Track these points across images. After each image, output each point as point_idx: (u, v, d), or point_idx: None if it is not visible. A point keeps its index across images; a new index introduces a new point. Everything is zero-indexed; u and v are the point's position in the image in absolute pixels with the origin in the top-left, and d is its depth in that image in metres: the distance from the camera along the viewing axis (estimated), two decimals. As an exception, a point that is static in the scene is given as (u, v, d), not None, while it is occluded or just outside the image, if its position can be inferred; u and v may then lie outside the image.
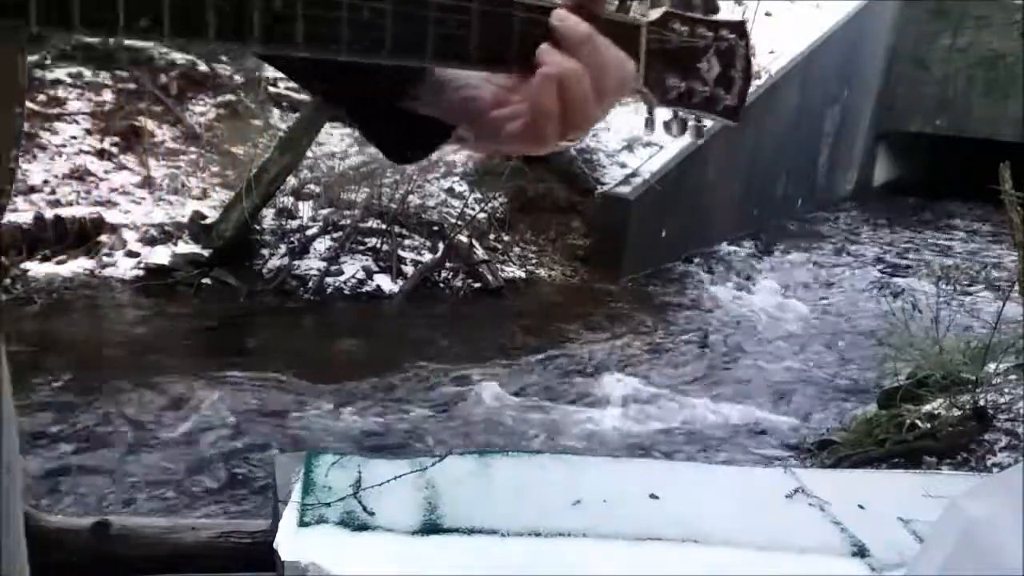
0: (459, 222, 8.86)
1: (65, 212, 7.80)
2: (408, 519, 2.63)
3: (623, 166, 10.22)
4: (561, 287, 9.16)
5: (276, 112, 9.84)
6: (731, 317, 8.80)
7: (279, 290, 7.81)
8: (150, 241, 7.89)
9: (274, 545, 2.53)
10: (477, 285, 8.58)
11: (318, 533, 2.54)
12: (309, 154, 8.47)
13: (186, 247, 7.87)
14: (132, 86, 9.34)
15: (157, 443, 5.07)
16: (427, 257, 8.58)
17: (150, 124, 9.21)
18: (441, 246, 8.63)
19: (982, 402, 4.73)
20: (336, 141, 9.71)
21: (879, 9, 15.10)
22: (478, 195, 9.43)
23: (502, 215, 9.45)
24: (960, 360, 4.93)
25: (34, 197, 7.90)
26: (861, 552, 2.69)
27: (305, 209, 8.66)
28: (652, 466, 3.62)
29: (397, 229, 8.63)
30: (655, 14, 0.79)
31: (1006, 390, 4.89)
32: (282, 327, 7.43)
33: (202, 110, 9.72)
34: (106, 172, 8.54)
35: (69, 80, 9.18)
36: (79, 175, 8.33)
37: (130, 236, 7.90)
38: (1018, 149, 8.27)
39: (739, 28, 0.84)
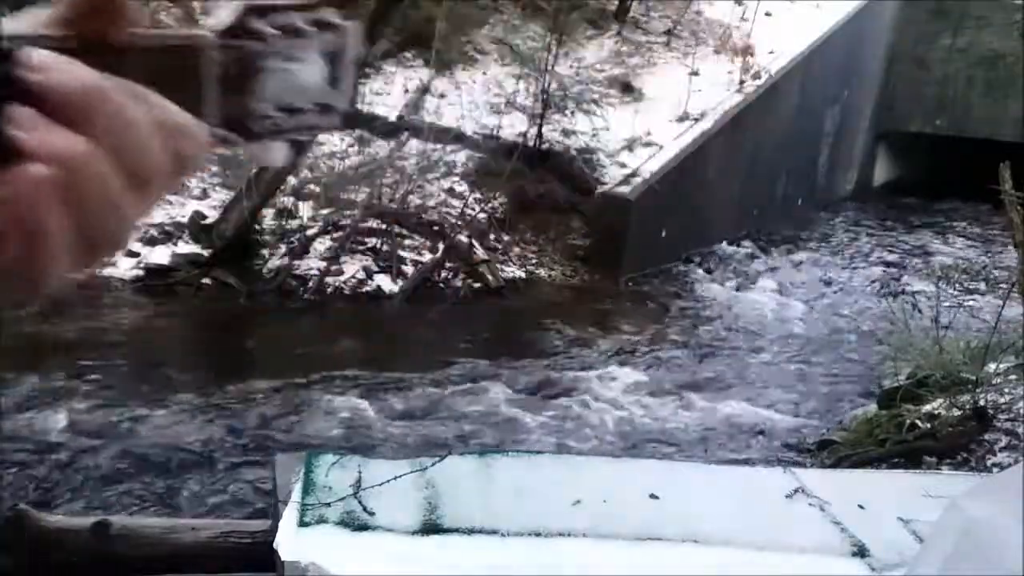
0: (459, 222, 8.86)
1: (65, 212, 7.78)
2: (408, 519, 2.63)
3: (623, 166, 10.22)
4: (561, 287, 9.16)
5: (276, 112, 9.83)
6: (730, 316, 8.80)
7: (279, 290, 7.81)
8: (150, 241, 7.89)
9: (274, 545, 2.52)
10: (477, 285, 8.58)
11: (318, 533, 2.54)
12: (309, 154, 8.47)
13: (186, 247, 7.87)
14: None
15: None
16: (427, 257, 8.58)
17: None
18: (441, 246, 8.63)
19: (982, 402, 4.72)
20: (336, 141, 9.70)
21: (879, 9, 15.10)
22: (478, 195, 9.43)
23: (502, 215, 9.45)
24: (960, 360, 4.93)
25: (34, 197, 7.89)
26: (861, 552, 2.70)
27: (305, 209, 8.66)
28: (652, 466, 3.62)
29: (397, 229, 8.62)
30: (226, 15, 0.48)
31: (1006, 390, 4.89)
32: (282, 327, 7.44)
33: (202, 110, 9.71)
34: (106, 172, 8.53)
35: (69, 80, 9.18)
36: (79, 175, 8.33)
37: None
38: (1018, 149, 8.27)
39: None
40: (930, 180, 17.03)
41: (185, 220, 8.10)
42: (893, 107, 16.39)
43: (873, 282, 10.44)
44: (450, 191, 9.52)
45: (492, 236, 9.27)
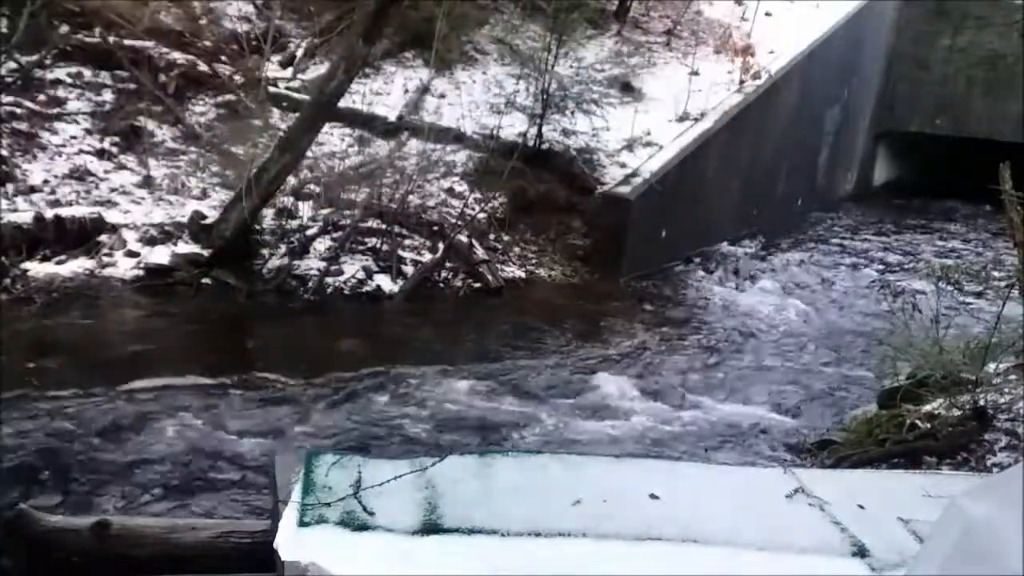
0: (459, 222, 8.86)
1: (65, 212, 7.79)
2: (408, 519, 2.63)
3: (623, 166, 10.22)
4: (561, 287, 9.16)
5: (276, 112, 9.84)
6: (731, 316, 8.80)
7: (279, 290, 7.80)
8: (150, 241, 7.88)
9: (274, 545, 2.52)
10: (477, 285, 8.58)
11: (318, 533, 2.54)
12: (309, 154, 8.47)
13: (186, 247, 7.86)
14: (132, 86, 9.34)
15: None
16: (427, 257, 8.57)
17: (150, 124, 9.20)
18: (441, 246, 8.63)
19: (982, 402, 4.72)
20: (336, 141, 9.71)
21: (879, 9, 15.10)
22: (478, 195, 9.43)
23: (502, 215, 9.45)
24: (960, 360, 4.93)
25: (34, 197, 7.89)
26: (861, 552, 2.70)
27: (305, 209, 8.65)
28: (652, 466, 3.62)
29: (397, 229, 8.62)
30: None
31: (1006, 390, 4.88)
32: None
33: (202, 110, 9.71)
34: (106, 172, 8.53)
35: (69, 80, 9.17)
36: (79, 175, 8.33)
37: (130, 236, 7.89)
38: (1018, 149, 8.28)
39: None
40: (930, 180, 17.05)
41: (185, 220, 8.10)
42: (893, 107, 16.40)
43: (873, 282, 10.44)
44: (450, 191, 9.52)
45: (492, 236, 9.28)
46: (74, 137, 8.71)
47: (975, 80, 15.52)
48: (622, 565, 2.55)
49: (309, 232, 8.38)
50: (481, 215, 9.23)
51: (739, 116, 11.27)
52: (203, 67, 9.89)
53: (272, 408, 5.67)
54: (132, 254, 7.74)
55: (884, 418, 5.23)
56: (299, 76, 10.46)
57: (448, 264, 8.63)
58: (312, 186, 8.83)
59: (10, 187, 7.86)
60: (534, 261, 9.40)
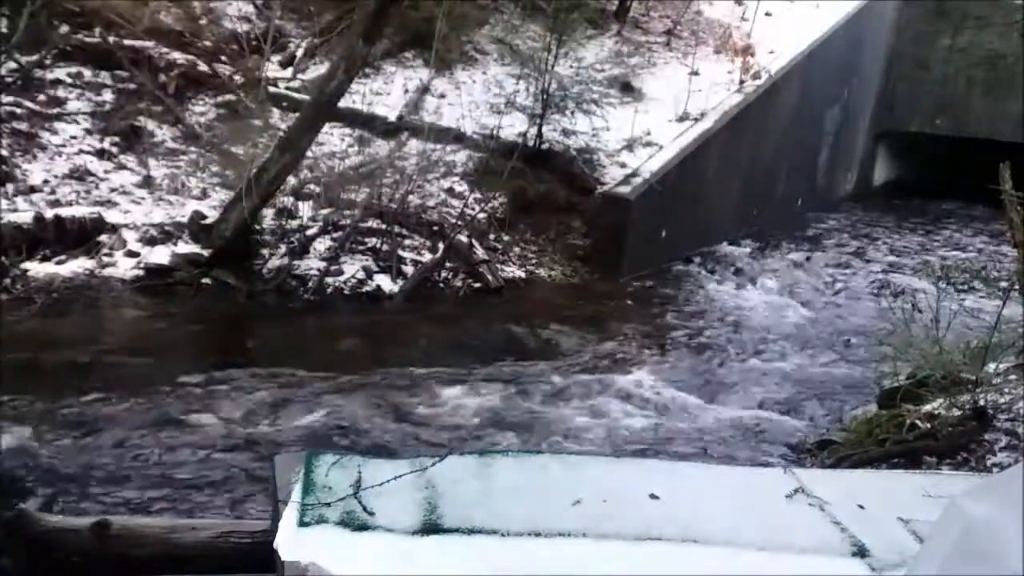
0: (459, 222, 8.86)
1: (65, 212, 7.79)
2: (408, 519, 2.62)
3: (623, 166, 10.22)
4: (561, 287, 9.16)
5: (276, 112, 9.84)
6: (731, 316, 8.80)
7: (279, 290, 7.80)
8: (150, 241, 7.88)
9: (274, 545, 2.52)
10: (477, 285, 8.58)
11: (318, 533, 2.54)
12: (309, 154, 8.47)
13: (186, 247, 7.86)
14: (132, 86, 9.34)
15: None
16: (427, 257, 8.57)
17: (150, 124, 9.20)
18: (441, 246, 8.62)
19: (982, 402, 4.72)
20: (336, 141, 9.71)
21: (879, 9, 15.10)
22: (478, 195, 9.43)
23: (502, 215, 9.45)
24: (960, 360, 4.93)
25: (34, 197, 7.89)
26: (861, 552, 2.69)
27: (305, 209, 8.65)
28: (652, 466, 3.62)
29: (397, 229, 8.62)
30: None
31: (1006, 390, 4.88)
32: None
33: (202, 110, 9.72)
34: (106, 172, 8.53)
35: (69, 80, 9.17)
36: (79, 175, 8.33)
37: (130, 236, 7.89)
38: (1018, 149, 8.28)
39: None
40: (930, 180, 17.05)
41: (185, 220, 8.10)
42: (893, 107, 16.40)
43: (873, 282, 10.44)
44: (450, 191, 9.52)
45: (492, 236, 9.27)
46: (74, 137, 8.71)
47: (975, 80, 15.52)
48: (622, 565, 2.55)
49: (309, 232, 8.38)
50: (481, 215, 9.23)
51: (739, 116, 11.27)
52: (203, 67, 9.89)
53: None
54: (132, 254, 7.74)
55: (884, 418, 5.22)
56: (299, 76, 10.46)
57: (448, 264, 8.63)
58: (312, 186, 8.83)
59: (10, 187, 7.86)
60: (534, 261, 9.40)
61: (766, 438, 5.89)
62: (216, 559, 3.08)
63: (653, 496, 2.89)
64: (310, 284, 7.92)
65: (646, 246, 9.89)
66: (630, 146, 10.49)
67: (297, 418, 5.57)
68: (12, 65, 8.75)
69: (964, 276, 5.20)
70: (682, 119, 10.98)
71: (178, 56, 9.82)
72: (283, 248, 8.17)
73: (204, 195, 8.61)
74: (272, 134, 8.80)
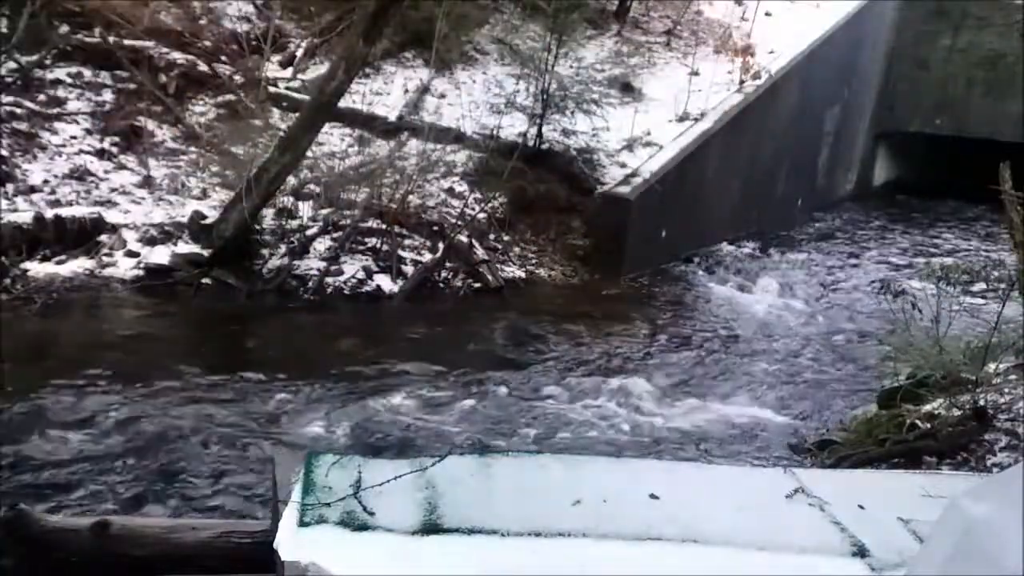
0: (459, 222, 8.86)
1: (65, 212, 7.80)
2: (408, 519, 2.62)
3: (623, 166, 10.22)
4: (561, 287, 9.16)
5: (276, 112, 9.84)
6: (731, 316, 8.80)
7: (279, 290, 7.81)
8: (150, 241, 7.89)
9: (274, 545, 2.52)
10: (477, 285, 8.58)
11: (318, 533, 2.54)
12: (309, 154, 8.47)
13: (186, 247, 7.87)
14: (132, 86, 9.34)
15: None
16: (427, 257, 8.57)
17: (150, 124, 9.21)
18: (441, 246, 8.63)
19: (982, 402, 4.72)
20: (336, 141, 9.71)
21: (879, 9, 15.10)
22: (478, 195, 9.43)
23: (502, 215, 9.45)
24: (960, 360, 4.93)
25: (34, 197, 7.90)
26: (861, 552, 2.69)
27: (305, 209, 8.66)
28: (652, 466, 3.62)
29: (397, 229, 8.62)
30: None
31: (1006, 390, 4.88)
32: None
33: (202, 110, 9.72)
34: (106, 172, 8.54)
35: (69, 80, 9.18)
36: (79, 175, 8.33)
37: (130, 236, 7.90)
38: (1018, 149, 8.28)
39: None
40: (930, 180, 17.05)
41: (185, 220, 8.10)
42: (893, 107, 16.40)
43: (873, 282, 10.44)
44: (450, 191, 9.52)
45: (492, 236, 9.27)
46: (74, 137, 8.71)
47: (975, 80, 15.52)
48: (622, 565, 2.54)
49: (309, 232, 8.38)
50: (481, 215, 9.23)
51: (739, 116, 11.27)
52: (203, 67, 9.89)
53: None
54: (132, 254, 7.74)
55: (884, 418, 5.22)
56: (299, 76, 10.46)
57: (448, 264, 8.63)
58: (312, 186, 8.83)
59: (10, 187, 7.87)
60: (534, 261, 9.40)
61: (765, 438, 5.89)
62: (216, 559, 3.07)
63: (653, 496, 2.89)
64: (310, 284, 7.92)
65: (646, 246, 9.89)
66: (630, 146, 10.49)
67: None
68: (12, 65, 8.75)
69: (964, 276, 5.20)
70: (682, 119, 10.98)
71: (178, 56, 9.82)
72: (283, 248, 8.17)
73: (204, 195, 8.61)
74: (272, 134, 8.80)
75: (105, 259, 7.64)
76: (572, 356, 7.25)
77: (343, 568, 2.39)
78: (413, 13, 10.45)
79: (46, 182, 8.10)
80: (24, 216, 7.58)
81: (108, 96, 9.23)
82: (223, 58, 10.15)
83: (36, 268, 7.32)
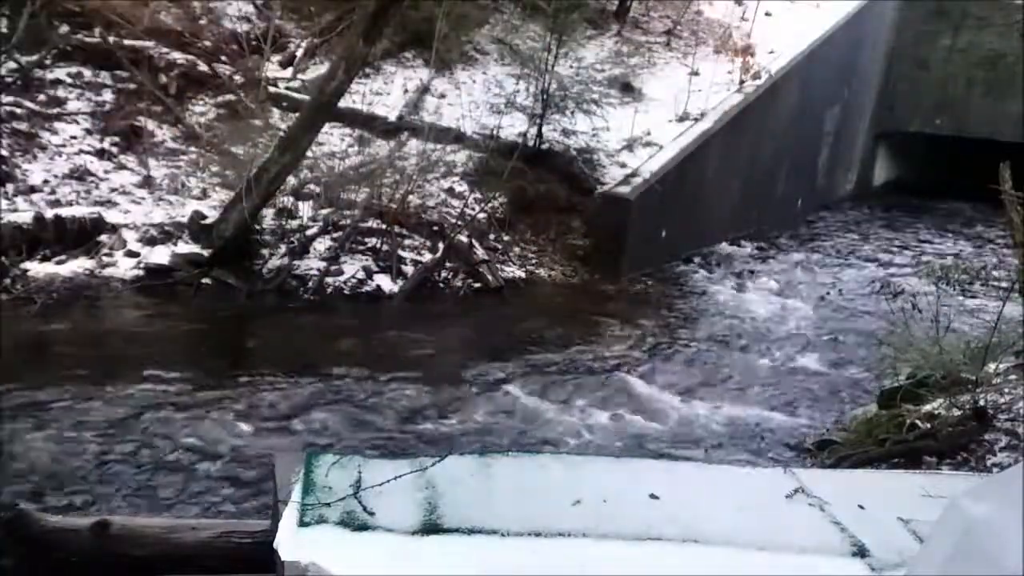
0: (459, 222, 8.86)
1: (65, 212, 7.80)
2: (408, 519, 2.62)
3: (623, 166, 10.22)
4: (561, 287, 9.16)
5: (276, 112, 9.84)
6: (730, 316, 8.80)
7: (279, 290, 7.81)
8: (150, 241, 7.89)
9: (274, 545, 2.52)
10: (477, 285, 8.58)
11: (318, 533, 2.54)
12: (309, 154, 8.47)
13: (186, 247, 7.87)
14: (132, 86, 9.34)
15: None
16: (427, 257, 8.57)
17: (150, 124, 9.21)
18: (441, 246, 8.63)
19: (982, 402, 4.72)
20: (336, 141, 9.71)
21: (879, 9, 15.11)
22: (478, 195, 9.43)
23: (502, 215, 9.45)
24: (960, 360, 4.93)
25: (34, 197, 7.90)
26: (861, 552, 2.69)
27: (305, 209, 8.66)
28: (652, 466, 3.62)
29: (397, 229, 8.62)
30: None
31: (1006, 390, 4.88)
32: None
33: (202, 110, 9.72)
34: (106, 172, 8.54)
35: (69, 80, 9.18)
36: (79, 175, 8.33)
37: (130, 236, 7.90)
38: (1018, 149, 8.28)
39: None
40: (930, 180, 17.05)
41: (185, 220, 8.10)
42: (893, 107, 16.40)
43: (873, 282, 10.44)
44: (450, 191, 9.52)
45: (492, 236, 9.27)
46: (74, 137, 8.71)
47: (975, 80, 15.52)
48: (622, 565, 2.54)
49: (309, 232, 8.38)
50: (481, 215, 9.23)
51: (739, 116, 11.27)
52: (203, 67, 9.89)
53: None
54: (132, 254, 7.74)
55: (884, 418, 5.23)
56: (299, 76, 10.46)
57: (448, 264, 8.63)
58: (312, 186, 8.83)
59: (10, 187, 7.87)
60: (534, 261, 9.40)
61: (765, 438, 5.89)
62: (216, 559, 3.08)
63: (653, 496, 2.89)
64: (310, 284, 7.92)
65: (646, 246, 9.89)
66: (630, 146, 10.49)
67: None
68: (12, 65, 8.75)
69: (964, 276, 5.20)
70: (682, 119, 10.98)
71: (178, 56, 9.82)
72: (283, 248, 8.17)
73: (204, 195, 8.61)
74: (272, 134, 8.80)
75: (105, 259, 7.64)
76: (572, 356, 7.25)
77: (343, 568, 2.39)
78: (413, 13, 10.45)
79: (46, 182, 8.10)
80: (24, 216, 7.58)
81: (108, 96, 9.23)
82: (223, 58, 10.15)
83: (36, 268, 7.32)
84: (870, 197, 16.47)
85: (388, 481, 2.76)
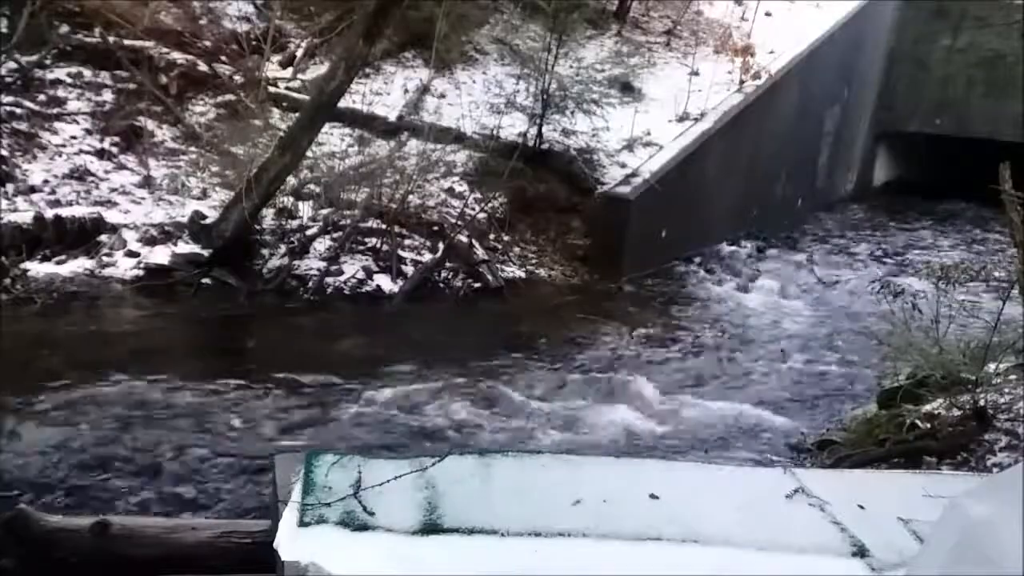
0: (459, 222, 8.86)
1: (65, 212, 7.80)
2: (408, 519, 2.62)
3: (623, 166, 10.22)
4: (561, 287, 9.15)
5: (276, 112, 9.84)
6: (731, 316, 8.80)
7: (279, 290, 7.81)
8: (150, 241, 7.89)
9: (274, 545, 2.52)
10: (477, 285, 8.58)
11: (318, 533, 2.54)
12: (309, 154, 8.47)
13: (186, 247, 7.86)
14: (132, 86, 9.34)
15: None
16: (427, 257, 8.57)
17: (150, 124, 9.20)
18: (441, 246, 8.62)
19: (982, 402, 4.72)
20: (336, 141, 9.70)
21: (879, 9, 15.10)
22: (478, 195, 9.42)
23: (502, 215, 9.44)
24: (960, 360, 4.93)
25: (34, 197, 7.90)
26: (861, 552, 2.69)
27: (305, 209, 8.66)
28: (652, 466, 3.62)
29: (397, 229, 8.62)
30: None
31: (1006, 390, 4.88)
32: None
33: (202, 110, 9.72)
34: (106, 172, 8.54)
35: (69, 80, 9.18)
36: (79, 175, 8.33)
37: (130, 236, 7.89)
38: (1018, 149, 8.27)
39: None
40: (930, 180, 17.05)
41: (185, 220, 8.10)
42: (893, 107, 16.39)
43: (873, 282, 10.42)
44: (450, 191, 9.52)
45: (492, 236, 9.27)
46: (74, 137, 8.71)
47: (975, 80, 15.52)
48: (622, 565, 2.55)
49: (309, 232, 8.38)
50: (481, 215, 9.22)
51: (739, 116, 11.27)
52: (203, 67, 9.89)
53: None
54: (132, 254, 7.74)
55: (884, 418, 5.22)
56: (299, 76, 10.45)
57: (448, 264, 8.63)
58: (312, 186, 8.83)
59: (10, 187, 7.87)
60: (534, 261, 9.40)
61: (765, 438, 5.89)
62: (216, 559, 3.08)
63: (653, 496, 2.89)
64: (310, 284, 7.92)
65: (646, 246, 9.89)
66: (630, 146, 10.49)
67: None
68: (12, 65, 8.75)
69: (964, 276, 5.19)
70: (682, 119, 10.98)
71: (178, 56, 9.82)
72: (283, 248, 8.17)
73: (204, 195, 8.61)
74: (272, 134, 8.80)
75: (105, 259, 7.64)
76: (572, 356, 7.25)
77: (343, 568, 2.39)
78: (413, 13, 10.44)
79: (46, 182, 8.10)
80: (24, 216, 7.58)
81: (108, 96, 9.23)
82: (223, 58, 10.15)
83: (36, 268, 7.32)
84: (870, 197, 16.46)
85: (388, 481, 2.76)
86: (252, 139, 8.81)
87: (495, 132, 10.00)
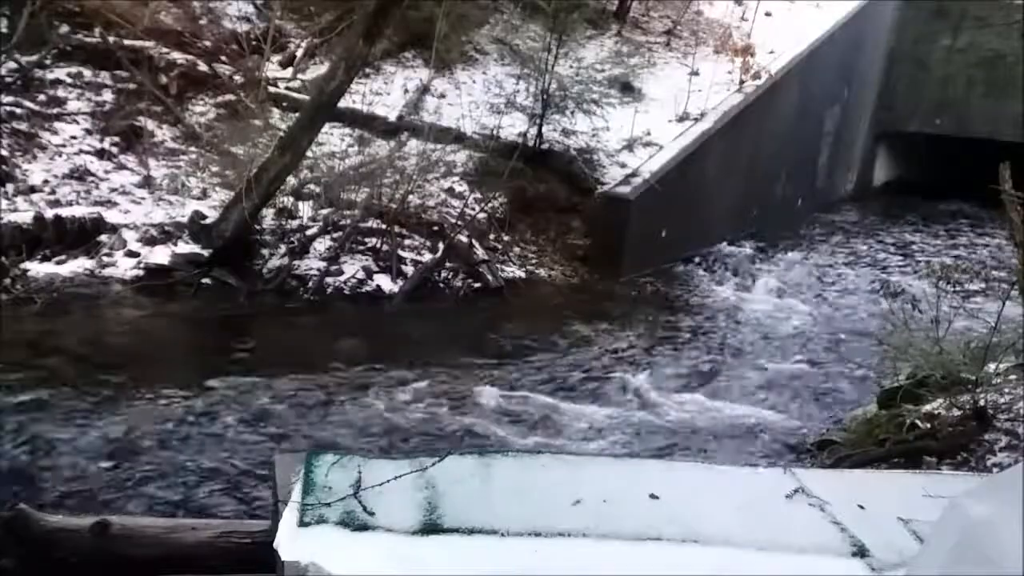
0: (459, 222, 8.86)
1: (65, 212, 7.80)
2: (408, 519, 2.62)
3: (623, 166, 10.22)
4: (561, 287, 9.15)
5: (276, 112, 9.84)
6: (731, 316, 8.80)
7: (279, 290, 7.81)
8: (150, 241, 7.89)
9: (274, 545, 2.52)
10: (477, 285, 8.58)
11: (318, 533, 2.54)
12: (309, 154, 8.47)
13: (186, 247, 7.86)
14: (132, 86, 9.34)
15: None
16: (427, 257, 8.57)
17: (150, 124, 9.20)
18: (441, 246, 8.62)
19: (982, 402, 4.72)
20: (336, 141, 9.70)
21: (879, 9, 15.10)
22: (478, 195, 9.42)
23: (502, 215, 9.44)
24: (960, 360, 4.93)
25: (34, 197, 7.90)
26: (861, 552, 2.69)
27: (305, 209, 8.65)
28: (652, 466, 3.62)
29: (397, 229, 8.62)
30: None
31: (1006, 390, 4.88)
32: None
33: (202, 110, 9.72)
34: (106, 172, 8.54)
35: (69, 80, 9.17)
36: (79, 175, 8.33)
37: (130, 236, 7.89)
38: (1018, 149, 8.28)
39: None
40: (930, 180, 17.04)
41: (185, 220, 8.10)
42: (893, 107, 16.39)
43: (873, 282, 10.43)
44: (450, 191, 9.52)
45: (492, 236, 9.27)
46: (74, 137, 8.71)
47: (975, 80, 15.52)
48: (622, 565, 2.55)
49: (309, 232, 8.38)
50: (481, 215, 9.22)
51: (739, 116, 11.27)
52: (203, 67, 9.89)
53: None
54: (132, 254, 7.74)
55: (884, 418, 5.23)
56: (299, 76, 10.45)
57: (448, 264, 8.63)
58: (312, 186, 8.83)
59: (10, 187, 7.87)
60: (534, 261, 9.40)
61: (765, 438, 5.89)
62: (216, 559, 3.08)
63: (653, 496, 2.89)
64: (310, 284, 7.92)
65: (646, 246, 9.89)
66: (630, 146, 10.49)
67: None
68: (12, 65, 8.75)
69: (964, 276, 5.20)
70: (682, 119, 10.98)
71: (178, 56, 9.82)
72: (283, 248, 8.17)
73: (204, 195, 8.61)
74: (272, 134, 8.80)
75: (105, 259, 7.64)
76: (571, 356, 7.25)
77: (343, 568, 2.39)
78: (413, 13, 10.44)
79: (46, 182, 8.10)
80: (24, 216, 7.58)
81: (108, 96, 9.23)
82: (223, 58, 10.14)
83: (36, 268, 7.32)
84: (870, 197, 16.46)
85: (388, 481, 2.76)
86: (252, 139, 8.81)
87: (495, 132, 10.00)
